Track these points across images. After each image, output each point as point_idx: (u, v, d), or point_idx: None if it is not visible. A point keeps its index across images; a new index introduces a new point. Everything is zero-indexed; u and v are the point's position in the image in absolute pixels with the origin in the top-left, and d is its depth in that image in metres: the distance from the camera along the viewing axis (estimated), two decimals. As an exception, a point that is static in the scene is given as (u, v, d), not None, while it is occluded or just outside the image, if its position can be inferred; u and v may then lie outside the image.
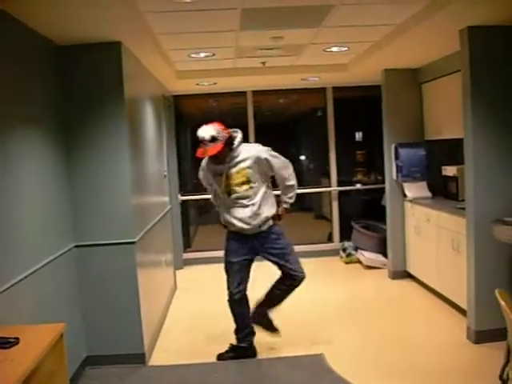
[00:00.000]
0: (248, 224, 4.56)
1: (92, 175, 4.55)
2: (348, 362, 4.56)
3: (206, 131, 4.47)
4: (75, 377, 4.28)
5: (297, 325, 5.40)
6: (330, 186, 8.71)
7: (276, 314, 5.03)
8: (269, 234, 4.63)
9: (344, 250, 8.23)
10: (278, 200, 4.77)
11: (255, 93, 8.51)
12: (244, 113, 8.54)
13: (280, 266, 4.68)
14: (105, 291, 4.61)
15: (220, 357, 4.78)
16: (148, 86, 6.08)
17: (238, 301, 4.70)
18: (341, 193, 8.85)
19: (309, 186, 9.48)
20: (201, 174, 4.92)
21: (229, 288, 4.71)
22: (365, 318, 5.71)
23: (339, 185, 8.77)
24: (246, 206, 4.55)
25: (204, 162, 4.81)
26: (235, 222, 4.59)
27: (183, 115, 9.47)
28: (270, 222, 4.62)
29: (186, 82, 7.18)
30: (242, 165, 4.53)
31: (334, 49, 5.84)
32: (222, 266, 6.83)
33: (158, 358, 4.87)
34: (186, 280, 7.60)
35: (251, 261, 4.71)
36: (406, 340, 5.03)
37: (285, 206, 4.73)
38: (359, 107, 9.29)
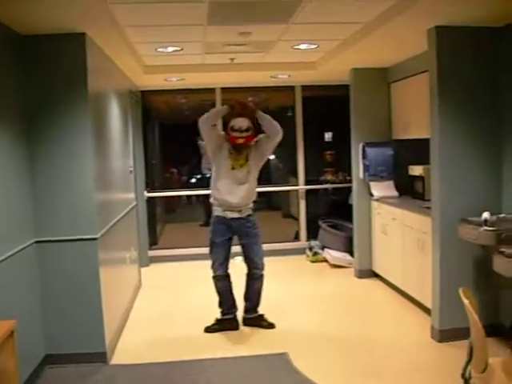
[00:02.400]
0: (238, 201, 5.10)
1: (54, 169, 4.44)
2: (312, 362, 4.53)
3: (244, 122, 5.06)
4: (34, 376, 4.17)
5: (262, 323, 5.36)
6: (297, 185, 8.69)
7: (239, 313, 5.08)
8: (247, 221, 5.18)
9: (310, 248, 8.23)
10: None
11: (224, 90, 8.43)
12: (212, 109, 8.44)
13: (245, 254, 5.27)
14: (66, 288, 4.50)
15: (207, 329, 5.24)
16: (114, 80, 5.97)
17: (221, 277, 5.23)
18: (309, 192, 8.84)
19: (277, 184, 9.54)
20: (212, 135, 5.23)
21: (212, 267, 5.24)
22: (330, 317, 5.69)
23: (307, 184, 8.76)
24: (243, 183, 5.10)
25: (221, 133, 5.36)
26: (229, 199, 5.09)
27: (151, 111, 9.36)
28: (250, 211, 5.23)
29: (154, 77, 7.09)
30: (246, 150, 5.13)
31: (303, 46, 5.80)
32: (188, 263, 6.82)
33: (119, 357, 4.76)
34: (152, 277, 7.50)
35: (231, 240, 5.24)
36: (371, 339, 5.02)
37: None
38: (329, 106, 9.29)
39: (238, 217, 5.15)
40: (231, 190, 5.10)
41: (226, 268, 5.25)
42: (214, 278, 5.26)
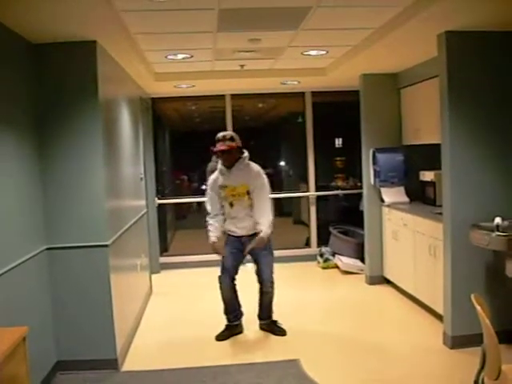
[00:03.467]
0: (246, 232, 5.21)
1: (65, 176, 4.46)
2: (323, 368, 4.51)
3: (227, 132, 5.33)
4: (45, 382, 4.18)
5: (273, 330, 5.35)
6: (308, 191, 8.68)
7: (253, 319, 5.15)
8: (258, 234, 5.10)
9: (321, 255, 8.20)
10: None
11: (234, 96, 8.44)
12: (222, 116, 8.47)
13: (256, 270, 5.33)
14: (77, 294, 4.51)
15: (218, 337, 5.26)
16: (124, 87, 6.00)
17: (228, 287, 5.29)
18: (319, 198, 8.81)
19: (288, 191, 9.54)
20: (209, 192, 5.45)
21: (221, 276, 5.29)
22: (341, 323, 5.67)
23: (318, 190, 8.73)
24: (246, 216, 5.17)
25: (214, 175, 5.35)
26: (235, 229, 5.25)
27: (161, 118, 9.39)
28: None
29: (164, 84, 7.12)
30: (245, 178, 5.12)
31: (313, 52, 5.82)
32: (199, 270, 6.81)
33: (130, 364, 4.77)
34: (163, 284, 7.51)
35: (242, 252, 5.22)
36: (382, 346, 4.99)
37: (262, 234, 5.05)
38: (339, 112, 9.29)
39: (250, 234, 5.19)
40: (237, 225, 5.23)
41: (233, 278, 5.31)
42: (221, 287, 5.30)
